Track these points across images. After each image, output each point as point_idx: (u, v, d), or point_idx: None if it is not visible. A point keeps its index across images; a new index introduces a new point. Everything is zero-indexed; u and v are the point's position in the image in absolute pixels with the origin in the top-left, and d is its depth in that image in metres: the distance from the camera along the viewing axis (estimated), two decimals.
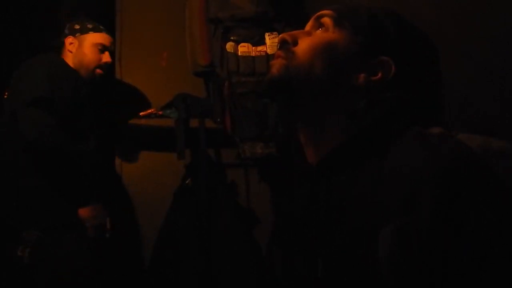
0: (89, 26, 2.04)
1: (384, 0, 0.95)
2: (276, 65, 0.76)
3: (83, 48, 2.00)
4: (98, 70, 2.01)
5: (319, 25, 0.77)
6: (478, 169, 0.53)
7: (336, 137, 0.72)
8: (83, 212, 1.83)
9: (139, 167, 2.24)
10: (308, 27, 0.80)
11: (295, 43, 0.76)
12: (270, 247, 2.05)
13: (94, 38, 2.02)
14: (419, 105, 0.71)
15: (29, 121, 1.74)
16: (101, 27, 2.07)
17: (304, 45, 0.75)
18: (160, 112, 2.15)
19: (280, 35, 0.79)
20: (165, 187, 2.15)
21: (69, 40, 2.02)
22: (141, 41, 2.33)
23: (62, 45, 2.03)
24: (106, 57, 2.03)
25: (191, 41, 2.16)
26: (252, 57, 2.01)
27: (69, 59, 2.00)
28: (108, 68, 2.08)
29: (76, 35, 2.02)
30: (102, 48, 2.02)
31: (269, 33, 2.05)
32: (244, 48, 2.02)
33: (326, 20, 0.76)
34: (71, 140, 1.81)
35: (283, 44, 0.77)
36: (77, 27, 2.03)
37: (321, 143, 0.74)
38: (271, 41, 2.02)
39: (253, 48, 2.03)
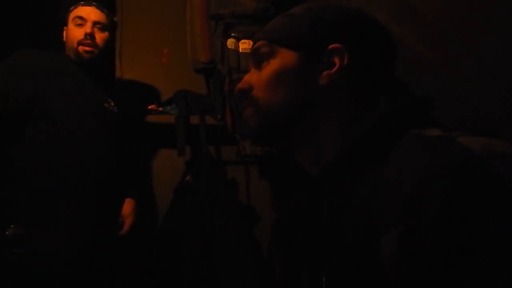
0: (72, 7, 1.82)
1: None
2: (249, 116, 0.76)
3: (67, 30, 1.81)
4: (80, 48, 1.74)
5: (261, 58, 0.77)
6: (482, 170, 0.53)
7: (333, 149, 0.71)
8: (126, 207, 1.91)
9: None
10: (252, 65, 0.79)
11: (251, 88, 0.76)
12: (270, 248, 2.05)
13: (72, 15, 1.79)
14: (410, 103, 0.69)
15: None
16: (83, 1, 1.82)
17: (258, 86, 0.75)
18: (161, 109, 2.15)
19: (236, 88, 0.78)
20: (165, 184, 2.15)
21: (64, 31, 1.84)
22: (141, 37, 2.33)
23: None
24: (86, 28, 1.75)
25: (192, 37, 2.15)
26: None
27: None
28: (102, 48, 1.78)
29: (67, 22, 1.82)
30: (81, 22, 1.76)
31: None
32: (245, 45, 2.01)
33: (263, 51, 0.76)
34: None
35: (242, 94, 0.77)
36: (66, 15, 1.83)
37: (319, 157, 0.73)
38: None
39: None
